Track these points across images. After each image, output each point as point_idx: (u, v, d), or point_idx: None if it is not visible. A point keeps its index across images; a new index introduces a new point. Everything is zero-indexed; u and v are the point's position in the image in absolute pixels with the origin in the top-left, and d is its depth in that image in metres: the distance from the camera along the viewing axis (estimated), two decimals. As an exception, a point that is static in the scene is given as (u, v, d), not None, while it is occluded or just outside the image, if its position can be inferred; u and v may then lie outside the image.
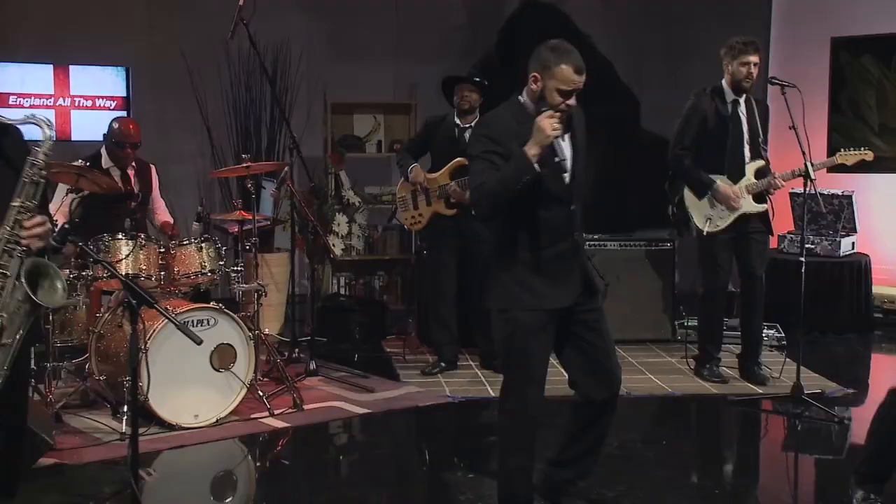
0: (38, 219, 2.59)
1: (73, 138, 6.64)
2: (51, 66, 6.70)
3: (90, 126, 6.51)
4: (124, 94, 6.92)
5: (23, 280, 2.51)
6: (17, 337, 2.54)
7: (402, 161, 5.56)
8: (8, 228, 2.55)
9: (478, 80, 5.50)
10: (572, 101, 3.05)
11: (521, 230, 3.11)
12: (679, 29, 8.15)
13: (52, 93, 6.75)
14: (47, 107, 6.74)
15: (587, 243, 6.23)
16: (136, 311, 2.53)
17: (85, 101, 6.85)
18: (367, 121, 7.09)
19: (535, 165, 2.95)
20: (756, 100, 5.20)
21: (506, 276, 3.16)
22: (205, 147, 7.09)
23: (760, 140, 5.09)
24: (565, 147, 3.18)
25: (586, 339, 3.24)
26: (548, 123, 2.93)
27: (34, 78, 6.71)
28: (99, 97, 6.88)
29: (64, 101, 6.79)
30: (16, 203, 2.57)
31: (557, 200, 3.12)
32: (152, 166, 5.36)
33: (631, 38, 8.24)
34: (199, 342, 2.58)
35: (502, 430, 3.34)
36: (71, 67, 6.76)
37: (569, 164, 3.18)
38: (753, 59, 5.00)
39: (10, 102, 6.64)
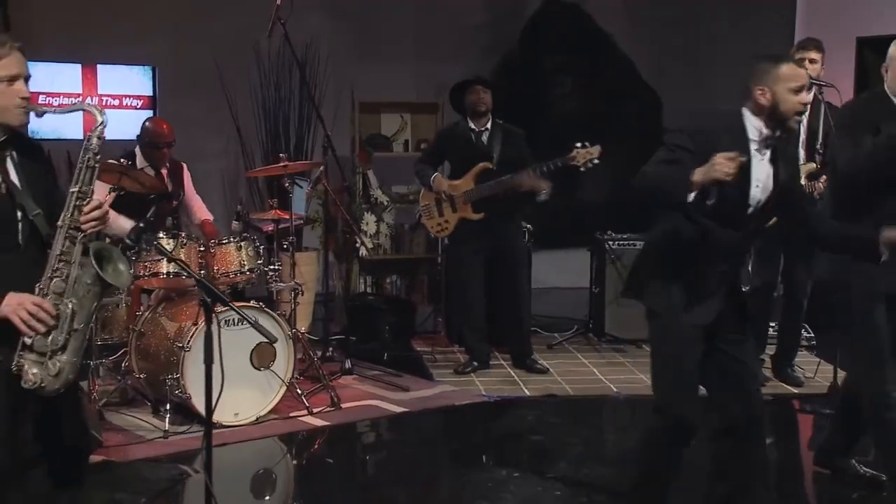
0: (96, 203, 2.61)
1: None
2: (79, 66, 6.71)
3: (117, 125, 6.51)
4: (151, 94, 6.95)
5: (92, 262, 2.52)
6: (89, 321, 2.56)
7: (421, 171, 5.58)
8: (68, 215, 2.56)
9: (486, 80, 5.54)
10: (806, 98, 2.93)
11: (688, 240, 2.97)
12: (701, 28, 8.16)
13: (80, 92, 6.76)
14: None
15: (616, 243, 6.27)
16: (210, 309, 2.55)
17: (112, 100, 6.86)
18: (394, 120, 7.10)
19: (691, 196, 2.78)
20: (828, 102, 4.92)
21: (660, 279, 3.03)
22: (230, 146, 7.12)
23: (818, 143, 4.93)
24: (761, 170, 2.97)
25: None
26: (723, 164, 2.72)
27: (63, 77, 6.72)
28: (126, 96, 6.90)
29: (91, 100, 6.81)
30: (73, 189, 2.58)
31: (732, 224, 2.96)
32: (184, 165, 5.39)
33: (653, 37, 8.27)
34: (273, 340, 2.60)
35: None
36: (98, 67, 6.78)
37: (758, 191, 2.97)
38: (812, 56, 4.89)
39: (39, 101, 6.63)
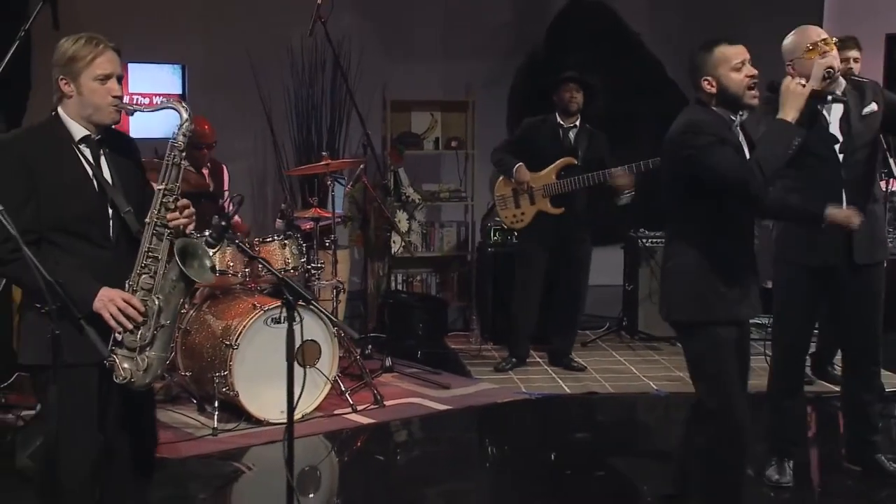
0: (183, 201, 2.63)
1: (130, 135, 6.69)
2: (109, 65, 6.73)
3: (146, 124, 6.55)
4: (180, 92, 6.96)
5: (176, 259, 2.54)
6: (175, 317, 2.59)
7: (503, 160, 5.55)
8: (155, 212, 2.58)
9: (584, 79, 5.53)
10: (752, 70, 2.91)
11: (719, 235, 2.96)
12: (729, 26, 8.10)
13: (111, 90, 6.78)
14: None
15: (649, 241, 6.27)
16: (293, 307, 2.56)
17: (142, 98, 6.87)
18: (424, 118, 7.11)
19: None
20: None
21: (701, 285, 2.98)
22: (258, 144, 7.12)
23: None
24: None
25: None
26: (796, 83, 2.89)
27: (95, 76, 6.75)
28: (156, 94, 6.90)
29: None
30: (160, 187, 2.61)
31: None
32: (224, 165, 5.40)
33: (680, 35, 8.23)
34: (357, 338, 2.61)
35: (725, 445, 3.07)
36: (129, 65, 6.79)
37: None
38: (852, 54, 4.79)
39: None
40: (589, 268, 5.67)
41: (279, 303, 4.56)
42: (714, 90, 2.91)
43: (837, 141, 3.52)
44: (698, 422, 3.15)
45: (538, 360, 5.72)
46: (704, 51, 2.94)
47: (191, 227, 2.69)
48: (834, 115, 3.55)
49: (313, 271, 4.92)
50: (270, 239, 4.75)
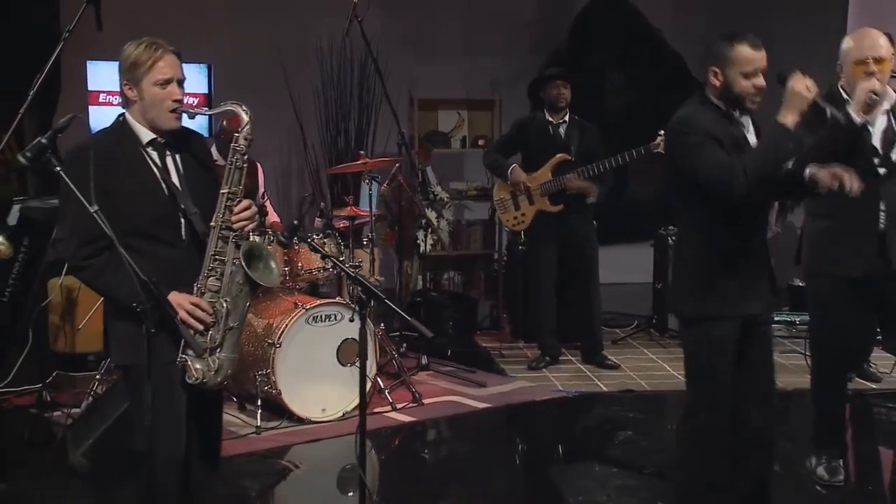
0: (245, 203, 2.64)
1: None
2: (137, 63, 6.74)
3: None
4: (206, 91, 6.97)
5: (242, 262, 2.55)
6: (243, 319, 2.60)
7: (496, 162, 5.55)
8: (220, 215, 2.59)
9: (567, 74, 5.53)
10: (761, 82, 2.84)
11: (724, 226, 2.87)
12: (751, 23, 8.11)
13: (139, 90, 6.79)
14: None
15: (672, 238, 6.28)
16: (365, 305, 2.57)
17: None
18: (451, 117, 7.12)
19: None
20: None
21: (699, 279, 2.92)
22: (283, 143, 7.13)
23: None
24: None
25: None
26: (803, 85, 2.74)
27: (121, 75, 6.76)
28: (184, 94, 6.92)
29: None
30: (224, 190, 2.61)
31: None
32: (258, 164, 5.40)
33: (701, 31, 8.24)
34: (430, 336, 2.62)
35: (691, 444, 3.06)
36: (156, 64, 6.81)
37: None
38: None
39: (101, 100, 6.68)
40: (597, 262, 5.65)
41: (321, 301, 4.62)
42: (718, 84, 2.85)
43: (878, 154, 3.43)
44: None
45: (571, 358, 5.73)
46: (724, 42, 2.84)
47: (251, 227, 2.69)
48: (878, 126, 3.44)
49: (352, 270, 4.91)
50: (309, 238, 4.74)
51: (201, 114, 2.73)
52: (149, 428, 2.22)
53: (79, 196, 2.28)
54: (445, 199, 6.72)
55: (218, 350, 2.52)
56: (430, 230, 5.92)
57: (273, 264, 2.66)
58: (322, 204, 5.06)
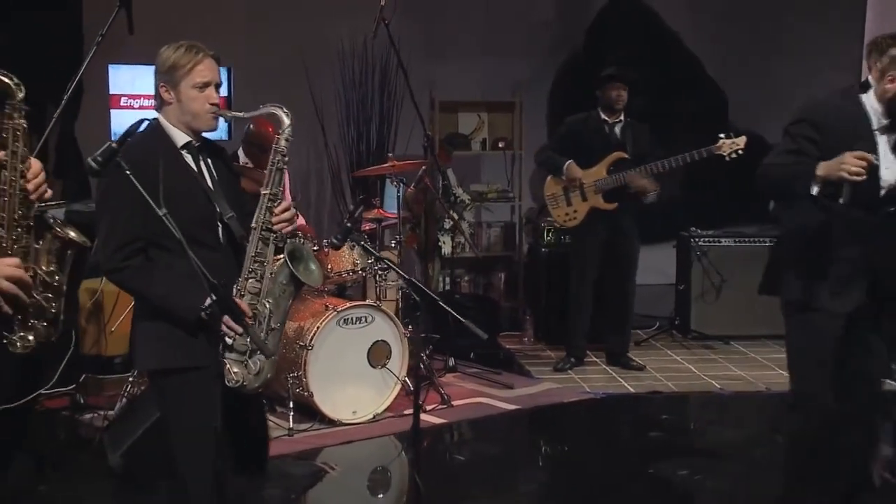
0: (286, 204, 2.64)
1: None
2: (159, 67, 6.76)
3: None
4: (226, 94, 6.98)
5: (287, 262, 2.56)
6: (284, 320, 2.60)
7: (551, 159, 5.56)
8: (261, 217, 2.59)
9: (629, 77, 5.54)
10: None
11: (820, 228, 2.95)
12: (768, 24, 8.14)
13: (161, 93, 6.81)
14: (154, 108, 6.81)
15: (700, 240, 6.28)
16: (420, 308, 2.57)
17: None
18: (471, 119, 7.13)
19: (815, 188, 2.81)
20: None
21: (793, 269, 3.02)
22: (303, 145, 7.14)
23: None
24: (887, 152, 2.92)
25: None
26: (852, 163, 2.73)
27: (143, 79, 6.75)
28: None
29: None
30: (266, 192, 2.61)
31: (864, 207, 2.90)
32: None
33: (718, 33, 8.25)
34: (483, 337, 2.62)
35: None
36: (176, 68, 6.82)
37: (888, 172, 2.91)
38: None
39: (122, 104, 6.71)
40: (637, 264, 5.66)
41: (352, 304, 4.62)
42: (874, 80, 2.91)
43: None
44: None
45: (595, 359, 5.73)
46: (890, 42, 2.88)
47: (291, 228, 2.69)
48: None
49: (380, 272, 4.93)
50: (364, 240, 4.75)
51: (238, 117, 2.73)
52: (217, 432, 2.21)
53: (146, 198, 2.28)
54: (466, 202, 6.73)
55: (258, 352, 2.51)
56: (455, 232, 5.92)
57: (313, 265, 2.66)
58: (351, 206, 5.04)
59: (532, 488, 3.92)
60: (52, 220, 2.10)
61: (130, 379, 4.44)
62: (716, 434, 4.61)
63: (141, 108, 6.83)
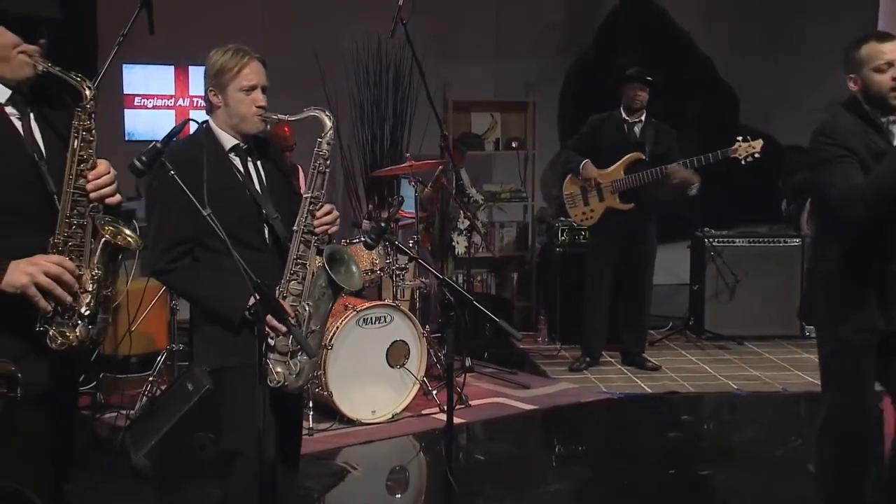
0: (327, 207, 2.65)
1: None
2: (172, 68, 6.77)
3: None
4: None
5: (325, 266, 2.56)
6: (325, 322, 2.61)
7: (570, 158, 5.55)
8: (302, 220, 2.60)
9: (650, 79, 5.53)
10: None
11: (865, 240, 2.83)
12: (779, 24, 8.15)
13: (174, 93, 6.83)
14: (168, 107, 6.84)
15: (714, 240, 6.28)
16: (454, 308, 2.58)
17: (203, 101, 6.91)
18: (484, 119, 7.13)
19: None
20: None
21: (831, 291, 2.91)
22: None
23: None
24: None
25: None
26: None
27: (157, 79, 6.79)
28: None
29: (183, 102, 6.87)
30: (307, 195, 2.62)
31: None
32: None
33: (730, 33, 8.26)
34: (519, 339, 2.62)
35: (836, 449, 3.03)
36: (190, 68, 6.83)
37: None
38: None
39: (136, 103, 6.73)
40: (654, 264, 5.65)
41: (371, 304, 4.63)
42: (858, 89, 2.85)
43: None
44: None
45: (610, 359, 5.73)
46: (854, 47, 2.85)
47: (333, 231, 2.70)
48: None
49: (398, 272, 4.94)
50: (356, 241, 4.76)
51: (284, 119, 2.73)
52: (261, 430, 2.22)
53: (191, 198, 2.28)
54: (480, 202, 6.73)
55: (299, 353, 2.52)
56: (472, 232, 5.92)
57: (354, 268, 2.67)
58: (369, 206, 5.04)
59: (551, 488, 3.92)
60: (101, 222, 2.11)
61: (150, 378, 4.45)
62: (735, 434, 4.61)
63: (154, 107, 6.86)
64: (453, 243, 6.50)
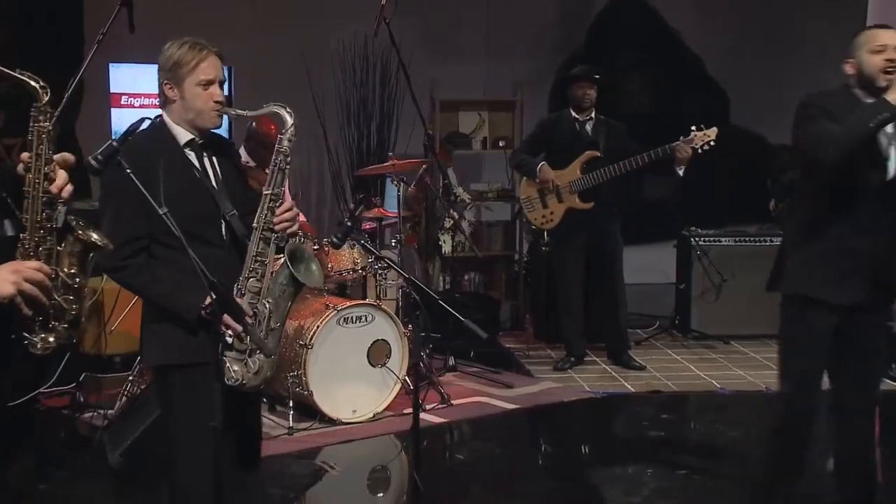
0: (288, 204, 2.63)
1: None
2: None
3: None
4: (227, 93, 6.97)
5: (286, 263, 2.55)
6: (284, 320, 2.60)
7: (524, 161, 5.53)
8: (262, 217, 2.59)
9: (597, 76, 5.52)
10: (892, 55, 2.89)
11: (825, 215, 2.98)
12: (770, 24, 8.15)
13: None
14: (155, 106, 6.78)
15: (701, 240, 6.27)
16: (420, 307, 2.57)
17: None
18: (472, 118, 7.13)
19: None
20: None
21: (795, 260, 3.05)
22: (303, 145, 7.15)
23: None
24: (886, 141, 2.94)
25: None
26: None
27: (145, 78, 6.75)
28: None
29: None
30: (267, 192, 2.61)
31: (873, 193, 2.93)
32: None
33: (720, 33, 8.26)
34: (484, 337, 2.62)
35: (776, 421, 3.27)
36: (176, 67, 6.82)
37: (892, 164, 2.94)
38: None
39: (122, 102, 6.70)
40: (622, 261, 5.64)
41: (352, 302, 4.63)
42: (854, 72, 2.96)
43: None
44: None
45: (595, 358, 5.73)
46: (857, 34, 2.99)
47: (293, 228, 2.69)
48: None
49: (380, 271, 4.93)
50: (364, 240, 4.75)
51: (242, 115, 2.72)
52: (217, 430, 2.21)
53: (147, 197, 2.26)
54: (467, 201, 6.73)
55: (258, 352, 2.51)
56: (457, 231, 5.91)
57: (314, 266, 2.66)
58: (352, 205, 5.04)
59: (532, 488, 3.92)
60: (74, 223, 2.09)
61: (130, 378, 4.44)
62: (716, 434, 4.60)
63: (141, 106, 6.83)
64: (440, 242, 6.51)
